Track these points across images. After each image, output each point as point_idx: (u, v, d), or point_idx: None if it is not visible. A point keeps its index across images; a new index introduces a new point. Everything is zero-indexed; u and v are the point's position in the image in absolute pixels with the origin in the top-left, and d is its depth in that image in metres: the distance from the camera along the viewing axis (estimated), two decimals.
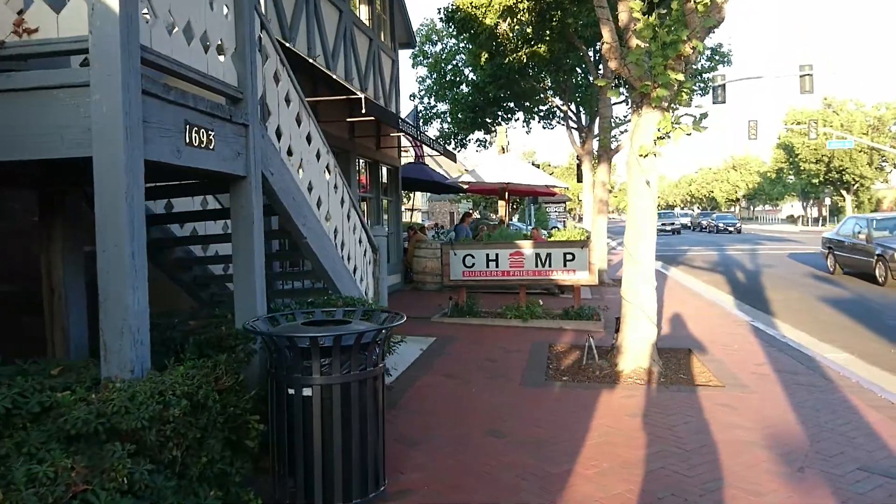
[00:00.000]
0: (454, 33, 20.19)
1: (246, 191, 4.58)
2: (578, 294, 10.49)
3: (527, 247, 10.35)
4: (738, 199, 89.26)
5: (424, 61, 26.92)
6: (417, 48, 26.77)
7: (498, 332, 9.50)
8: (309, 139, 5.90)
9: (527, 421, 5.38)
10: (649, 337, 7.25)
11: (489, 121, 27.09)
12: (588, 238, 10.46)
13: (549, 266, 10.27)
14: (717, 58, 25.85)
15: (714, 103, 28.80)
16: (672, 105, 7.57)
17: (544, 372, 7.16)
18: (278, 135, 5.31)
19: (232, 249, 4.66)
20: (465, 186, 17.87)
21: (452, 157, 13.77)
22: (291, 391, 3.73)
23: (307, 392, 3.70)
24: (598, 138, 17.53)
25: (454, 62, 26.12)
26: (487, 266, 10.40)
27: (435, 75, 26.99)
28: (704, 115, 7.46)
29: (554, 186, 16.36)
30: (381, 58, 13.10)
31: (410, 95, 27.44)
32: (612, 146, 16.74)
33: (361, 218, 7.31)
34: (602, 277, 16.14)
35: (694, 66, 24.45)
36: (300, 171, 5.73)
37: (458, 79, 26.46)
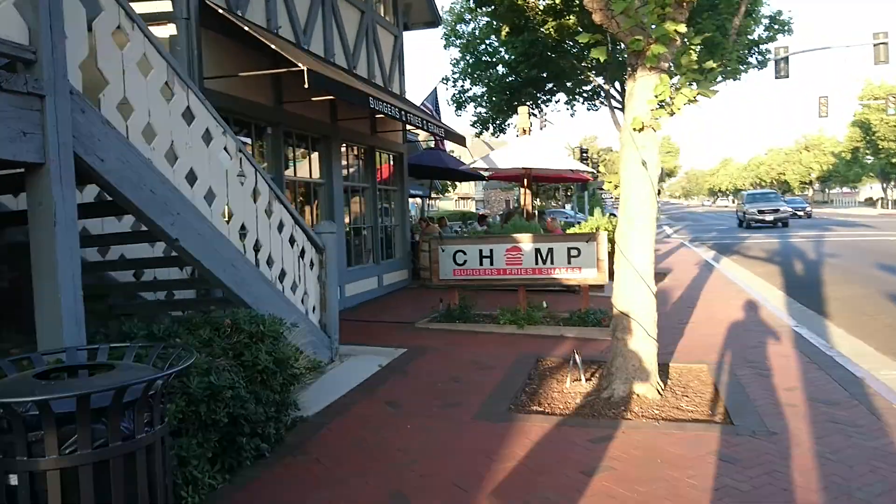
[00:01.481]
0: (472, 6, 18.76)
1: (43, 182, 3.44)
2: (586, 295, 9.03)
3: (525, 241, 8.97)
4: (811, 182, 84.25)
5: (457, 42, 25.52)
6: (449, 28, 25.40)
7: (486, 340, 8.19)
8: (190, 116, 4.72)
9: (446, 480, 4.09)
10: (645, 353, 5.84)
11: (528, 102, 25.58)
12: (596, 231, 8.98)
13: (552, 263, 8.86)
14: (775, 27, 23.46)
15: (777, 78, 26.35)
16: (677, 67, 6.07)
17: (513, 398, 5.83)
18: (125, 111, 4.15)
19: (32, 260, 3.54)
20: (485, 174, 16.49)
21: (460, 141, 12.48)
22: (13, 480, 2.56)
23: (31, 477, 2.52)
24: None
25: (488, 42, 24.62)
26: (481, 263, 9.08)
27: (469, 57, 25.59)
28: (712, 72, 5.96)
29: (579, 171, 14.77)
30: (376, 33, 11.88)
31: (443, 78, 26.06)
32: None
33: (294, 213, 6.11)
34: None
35: (748, 37, 22.32)
36: (173, 156, 4.56)
37: (493, 59, 24.99)
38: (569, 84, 25.66)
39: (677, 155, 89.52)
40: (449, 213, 44.19)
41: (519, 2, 17.55)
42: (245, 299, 5.15)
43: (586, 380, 6.28)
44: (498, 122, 26.83)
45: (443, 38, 25.67)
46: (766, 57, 24.23)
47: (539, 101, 26.13)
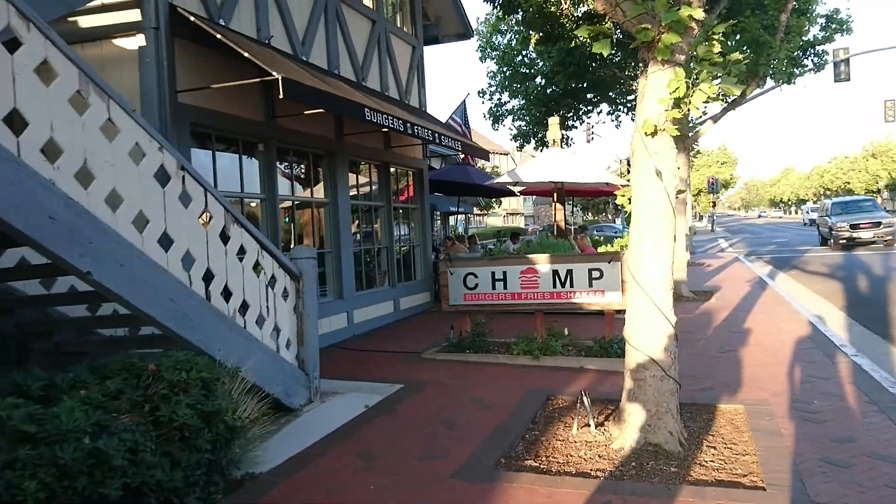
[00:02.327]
0: (499, 14, 18.03)
1: None
2: (610, 321, 8.09)
3: (542, 263, 8.12)
4: (878, 191, 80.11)
5: (493, 54, 24.82)
6: (484, 40, 24.72)
7: (495, 374, 7.36)
8: (112, 130, 4.11)
9: None
10: (663, 397, 4.94)
11: (569, 114, 24.69)
12: (621, 250, 8.06)
13: (571, 286, 7.99)
14: (832, 26, 21.92)
15: (836, 81, 24.71)
16: (696, 60, 5.20)
17: (508, 448, 4.99)
18: (17, 125, 3.55)
19: None
20: (516, 189, 15.65)
21: (482, 155, 11.72)
22: None
23: None
24: None
25: (524, 53, 23.85)
26: (494, 287, 8.27)
27: (506, 69, 24.86)
28: (738, 64, 5.09)
29: (616, 184, 13.79)
30: (390, 44, 11.26)
31: (479, 92, 25.40)
32: (689, 134, 13.98)
33: (260, 237, 5.45)
34: (679, 290, 13.47)
35: (802, 38, 20.95)
36: (89, 176, 3.94)
37: (530, 70, 24.20)
38: (611, 94, 24.67)
39: (734, 165, 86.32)
40: (496, 230, 43.36)
41: (552, 8, 16.75)
42: (188, 338, 4.49)
43: (598, 425, 5.39)
44: (540, 135, 25.96)
45: (478, 50, 25.02)
46: (824, 59, 22.69)
47: (580, 113, 25.17)
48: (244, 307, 5.22)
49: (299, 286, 5.92)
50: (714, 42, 5.18)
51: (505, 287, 8.22)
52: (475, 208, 38.15)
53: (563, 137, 26.20)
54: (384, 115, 7.87)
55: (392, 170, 11.56)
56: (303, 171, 9.08)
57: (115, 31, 6.38)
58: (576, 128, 25.86)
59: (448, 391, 6.67)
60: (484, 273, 8.30)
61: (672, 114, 4.99)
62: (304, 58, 8.66)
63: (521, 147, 27.90)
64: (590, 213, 66.36)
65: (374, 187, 11.04)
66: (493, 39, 24.80)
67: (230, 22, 7.33)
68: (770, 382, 6.48)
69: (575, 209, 70.33)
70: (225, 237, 5.04)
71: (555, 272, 8.04)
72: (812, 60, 22.78)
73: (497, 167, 53.17)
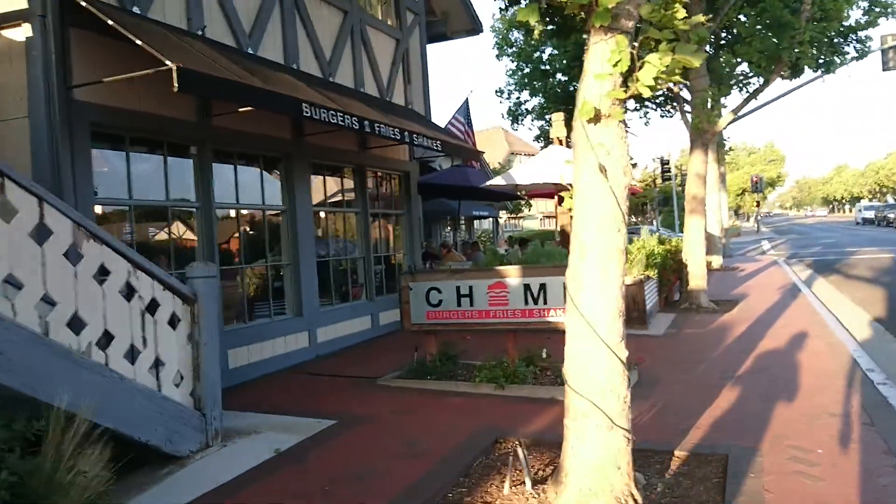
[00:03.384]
0: (504, 5, 17.00)
1: None
2: None
3: (512, 275, 7.09)
4: None
5: (509, 51, 23.77)
6: (500, 37, 23.69)
7: (449, 406, 6.36)
8: None
9: None
10: (607, 452, 3.92)
11: None
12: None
13: (545, 302, 6.94)
14: (876, 10, 20.20)
15: (885, 70, 22.85)
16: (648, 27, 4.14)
17: None
18: None
19: None
20: (522, 193, 14.57)
21: (472, 156, 10.75)
22: None
23: None
24: (689, 117, 13.54)
25: (541, 49, 22.74)
26: (459, 304, 7.28)
27: (525, 66, 23.78)
28: (699, 29, 4.04)
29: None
30: (367, 37, 10.36)
31: (497, 91, 24.36)
32: (709, 128, 12.71)
33: (130, 254, 4.58)
34: (698, 299, 12.26)
35: (842, 23, 19.29)
36: None
37: (550, 68, 23.06)
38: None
39: (782, 163, 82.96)
40: (532, 234, 42.03)
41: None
42: (7, 383, 3.64)
43: (539, 482, 4.36)
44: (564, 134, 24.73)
45: (494, 47, 24.01)
46: (868, 46, 20.97)
47: None
48: (106, 339, 4.36)
49: (195, 311, 5.05)
50: (676, 5, 4.11)
51: (471, 304, 7.22)
52: (503, 212, 37.04)
53: None
54: (331, 112, 6.97)
55: (372, 173, 10.65)
56: (252, 176, 8.23)
57: (2, 21, 5.63)
58: None
59: (383, 430, 5.70)
60: (448, 288, 7.32)
61: (615, 94, 3.95)
62: (249, 51, 7.83)
63: (545, 147, 26.70)
64: (631, 215, 64.43)
65: (347, 192, 10.15)
66: (510, 36, 23.76)
67: (150, 10, 6.53)
68: (771, 421, 5.33)
69: None
70: (76, 255, 4.19)
71: (526, 287, 7.01)
72: (854, 47, 21.07)
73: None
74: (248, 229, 8.26)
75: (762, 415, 5.52)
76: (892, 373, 6.70)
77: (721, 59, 13.59)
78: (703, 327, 10.27)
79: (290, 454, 5.14)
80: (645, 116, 26.89)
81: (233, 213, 7.90)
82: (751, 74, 12.01)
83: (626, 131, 4.17)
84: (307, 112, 6.61)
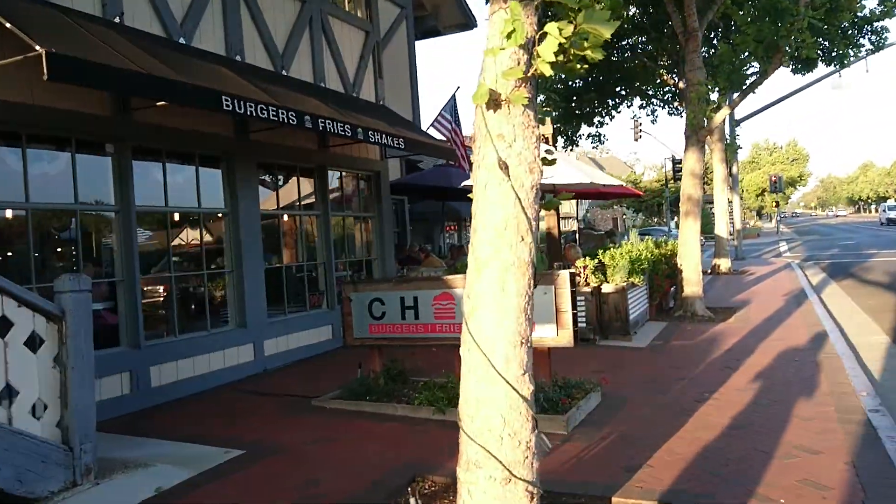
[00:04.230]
0: None
1: None
2: (543, 363, 6.24)
3: (460, 286, 6.37)
4: None
5: None
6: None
7: (378, 434, 5.66)
8: None
9: None
10: None
11: (598, 110, 22.64)
12: (557, 267, 6.24)
13: None
14: (890, 0, 19.13)
15: None
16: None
17: None
18: None
19: None
20: None
21: (448, 155, 10.03)
22: None
23: None
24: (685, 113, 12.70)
25: None
26: (403, 316, 6.59)
27: None
28: (614, 1, 3.31)
29: (611, 186, 11.74)
30: (328, 28, 9.69)
31: None
32: (704, 124, 11.87)
33: None
34: (693, 307, 11.44)
35: (855, 14, 18.21)
36: None
37: None
38: (645, 87, 22.52)
39: (805, 161, 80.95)
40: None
41: None
42: None
43: None
44: (569, 133, 23.96)
45: None
46: (884, 37, 19.90)
47: (609, 108, 23.00)
48: None
49: (62, 330, 4.41)
50: None
51: (416, 317, 6.52)
52: None
53: (599, 136, 24.21)
54: (260, 106, 6.31)
55: (336, 173, 9.98)
56: (186, 177, 7.60)
57: None
58: (605, 124, 23.72)
59: (291, 464, 5.02)
60: (392, 299, 6.62)
61: (511, 73, 3.23)
62: (181, 41, 7.20)
63: (570, 147, 25.91)
64: (642, 216, 63.29)
65: (305, 194, 9.48)
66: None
67: None
68: (736, 459, 4.56)
69: (626, 211, 67.26)
70: None
71: None
72: (869, 39, 20.00)
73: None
74: (180, 234, 7.62)
75: (728, 450, 4.76)
76: (889, 399, 5.89)
77: (717, 51, 12.73)
78: (693, 339, 9.48)
79: (173, 493, 4.47)
80: (652, 114, 26.02)
81: (162, 216, 7.26)
82: (747, 68, 11.17)
83: (535, 118, 3.44)
84: (228, 105, 5.97)
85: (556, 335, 5.96)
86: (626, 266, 9.56)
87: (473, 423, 3.29)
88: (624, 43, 19.61)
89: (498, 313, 3.29)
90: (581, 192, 14.69)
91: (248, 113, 6.23)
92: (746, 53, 11.13)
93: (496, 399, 3.25)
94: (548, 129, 12.52)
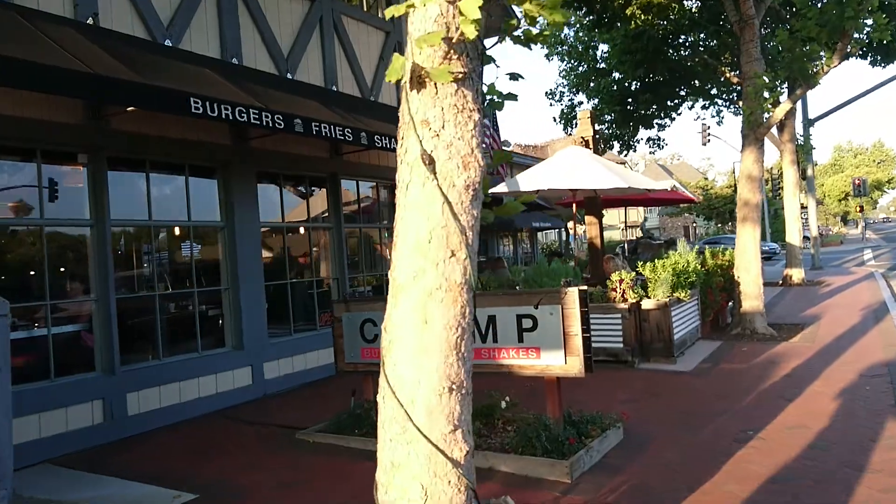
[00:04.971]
0: None
1: None
2: (552, 395, 5.37)
3: None
4: None
5: (560, 48, 22.02)
6: (551, 33, 21.94)
7: (358, 475, 4.93)
8: None
9: None
10: None
11: (656, 112, 21.42)
12: (566, 284, 5.38)
13: (494, 340, 5.44)
14: None
15: None
16: None
17: None
18: None
19: None
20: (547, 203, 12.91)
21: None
22: None
23: None
24: (741, 110, 11.52)
25: (593, 44, 20.88)
26: None
27: (579, 65, 22.00)
28: None
29: (654, 190, 10.64)
30: (342, 30, 9.12)
31: (547, 93, 22.71)
32: (763, 121, 10.68)
33: None
34: (752, 324, 10.29)
35: None
36: None
37: (606, 65, 21.14)
38: (707, 86, 21.18)
39: (894, 163, 75.83)
40: (609, 244, 39.60)
41: None
42: None
43: None
44: (625, 137, 22.81)
45: (543, 46, 22.37)
46: None
47: (668, 110, 21.70)
48: None
49: None
50: None
51: None
52: (570, 222, 34.87)
53: (659, 140, 22.99)
54: (238, 109, 5.75)
55: (350, 182, 9.37)
56: (175, 188, 7.12)
57: None
58: (665, 127, 22.41)
59: None
60: None
61: (429, 38, 2.49)
62: (167, 43, 6.74)
63: (602, 151, 24.78)
64: (714, 223, 60.63)
65: (314, 205, 8.89)
66: (561, 34, 22.00)
67: None
68: None
69: (697, 218, 64.48)
70: None
71: (474, 319, 5.49)
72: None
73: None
74: (167, 250, 7.13)
75: None
76: None
77: (776, 40, 11.50)
78: (747, 361, 8.37)
79: None
80: (718, 115, 24.51)
81: (145, 230, 6.79)
82: (811, 57, 9.95)
83: (476, 99, 2.67)
84: (197, 108, 5.42)
85: (565, 363, 5.11)
86: (668, 279, 8.55)
87: (387, 494, 2.53)
88: (681, 40, 18.45)
89: (418, 352, 2.54)
90: (626, 199, 13.66)
91: (225, 116, 5.68)
92: (808, 40, 9.93)
93: (415, 464, 2.49)
94: (587, 130, 11.56)
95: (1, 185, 5.70)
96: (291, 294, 8.29)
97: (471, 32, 2.40)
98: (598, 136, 12.70)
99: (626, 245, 22.95)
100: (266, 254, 7.99)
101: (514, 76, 3.01)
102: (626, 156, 25.55)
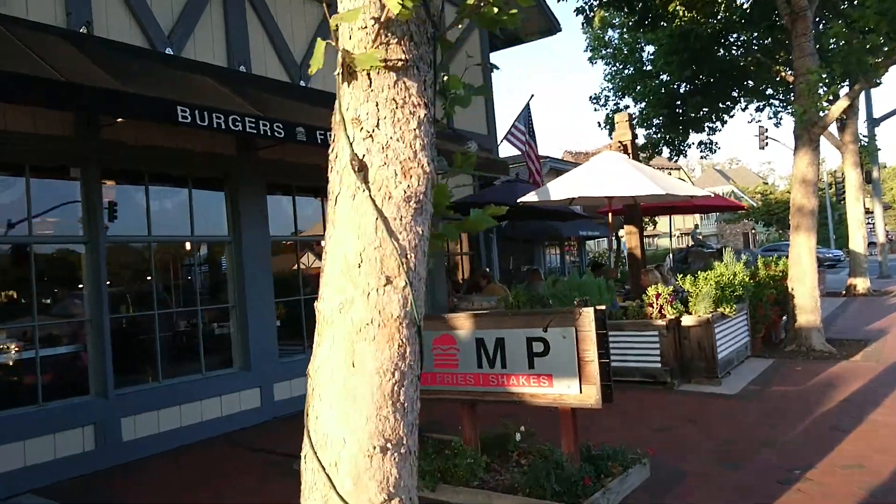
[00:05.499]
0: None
1: None
2: (567, 427, 4.81)
3: (464, 327, 5.12)
4: None
5: (604, 51, 21.30)
6: (594, 38, 21.25)
7: None
8: None
9: None
10: None
11: (707, 115, 20.46)
12: (579, 304, 4.80)
13: (503, 366, 4.93)
14: None
15: None
16: None
17: None
18: None
19: None
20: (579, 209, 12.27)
21: (501, 170, 8.76)
22: None
23: None
24: (792, 107, 10.69)
25: (639, 46, 20.09)
26: None
27: (626, 68, 21.24)
28: None
29: (696, 197, 9.84)
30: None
31: (591, 97, 22.03)
32: (817, 120, 9.83)
33: None
34: (808, 340, 9.47)
35: None
36: None
37: (653, 68, 20.32)
38: (761, 87, 20.12)
39: None
40: (659, 253, 38.30)
41: None
42: None
43: None
44: (675, 142, 21.91)
45: (587, 49, 21.70)
46: None
47: (720, 112, 20.69)
48: None
49: None
50: None
51: None
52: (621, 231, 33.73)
53: (711, 144, 22.04)
54: (231, 117, 5.41)
55: None
56: (178, 201, 6.83)
57: None
58: (717, 130, 21.36)
59: None
60: None
61: (349, 16, 2.03)
62: (168, 51, 6.48)
63: (649, 158, 23.91)
64: (775, 230, 58.32)
65: (299, 218, 8.45)
66: (605, 36, 21.28)
67: (4, 5, 5.33)
68: None
69: (756, 225, 62.08)
70: None
71: (479, 342, 5.01)
72: None
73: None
74: (167, 266, 6.84)
75: None
76: None
77: (830, 32, 10.61)
78: (801, 383, 7.60)
79: None
80: (776, 117, 23.34)
81: (144, 247, 6.51)
82: (870, 49, 9.09)
83: (422, 91, 2.19)
84: (185, 117, 5.10)
85: (580, 392, 4.56)
86: (710, 293, 7.85)
87: None
88: (731, 38, 17.53)
89: (344, 402, 2.06)
90: (671, 206, 12.89)
91: (217, 126, 5.34)
92: (867, 31, 9.11)
93: None
94: (625, 134, 10.89)
95: None
96: (306, 312, 7.90)
97: (395, 7, 1.92)
98: (636, 141, 12.01)
99: (671, 255, 21.91)
100: (277, 269, 7.64)
101: (492, 66, 2.53)
102: (676, 161, 24.50)
